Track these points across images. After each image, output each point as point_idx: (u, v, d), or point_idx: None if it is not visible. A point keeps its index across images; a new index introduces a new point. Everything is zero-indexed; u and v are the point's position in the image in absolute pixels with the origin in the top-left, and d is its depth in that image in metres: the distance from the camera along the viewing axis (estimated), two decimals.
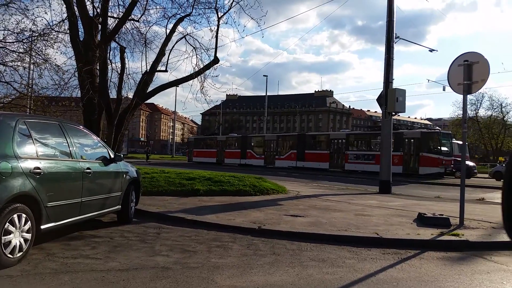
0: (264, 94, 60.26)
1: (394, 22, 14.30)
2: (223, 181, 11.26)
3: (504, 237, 6.24)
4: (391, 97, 13.36)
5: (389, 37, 14.14)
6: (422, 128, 37.12)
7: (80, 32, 12.36)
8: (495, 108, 50.57)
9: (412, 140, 27.44)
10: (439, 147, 26.05)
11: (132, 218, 7.03)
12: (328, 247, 5.58)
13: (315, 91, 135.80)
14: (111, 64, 13.51)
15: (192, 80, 13.41)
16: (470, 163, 27.84)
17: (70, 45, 12.39)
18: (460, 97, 7.82)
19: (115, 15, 13.33)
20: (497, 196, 15.13)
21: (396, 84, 14.32)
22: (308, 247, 5.52)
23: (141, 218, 7.26)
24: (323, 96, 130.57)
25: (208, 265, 4.44)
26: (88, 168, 5.51)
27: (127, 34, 13.62)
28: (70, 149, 5.35)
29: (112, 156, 6.43)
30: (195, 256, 4.78)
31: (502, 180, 1.33)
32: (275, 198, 10.56)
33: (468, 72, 7.34)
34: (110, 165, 6.31)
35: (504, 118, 50.04)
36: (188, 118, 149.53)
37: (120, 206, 6.57)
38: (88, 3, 12.26)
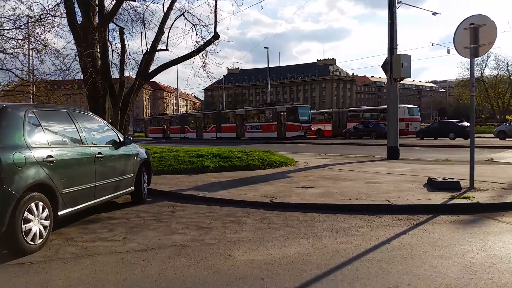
0: (265, 66, 59.83)
1: None
2: (231, 157, 11.34)
3: None
4: (396, 63, 13.18)
5: (391, 2, 13.82)
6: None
7: (77, 16, 12.23)
8: (501, 67, 49.87)
9: (282, 113, 37.54)
10: (299, 117, 35.85)
11: (146, 198, 7.15)
12: (341, 216, 5.66)
13: (317, 60, 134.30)
14: (111, 45, 13.44)
15: (193, 58, 13.31)
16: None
17: (69, 29, 12.28)
18: (465, 58, 7.70)
19: None
20: (505, 155, 15.12)
21: (399, 49, 14.11)
22: (321, 217, 5.59)
23: (154, 197, 7.37)
24: (326, 65, 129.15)
25: (225, 240, 4.53)
26: (100, 153, 5.57)
27: (124, 14, 13.47)
28: (80, 135, 5.40)
29: (121, 139, 6.48)
30: (211, 233, 4.88)
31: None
32: (284, 170, 10.64)
33: (474, 35, 7.20)
34: (120, 148, 6.36)
35: (511, 77, 49.30)
36: (191, 95, 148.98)
37: (133, 188, 6.66)
38: None
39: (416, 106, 38.49)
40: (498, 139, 26.90)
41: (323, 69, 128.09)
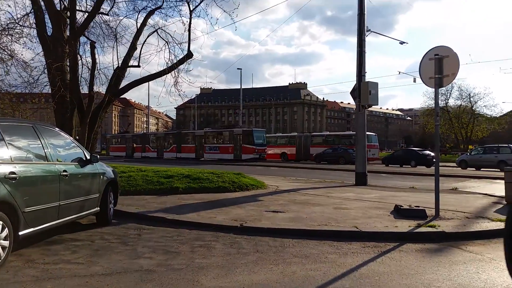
0: (238, 87, 60.36)
1: (365, 15, 14.47)
2: (202, 178, 11.21)
3: (478, 227, 6.49)
4: (364, 90, 13.56)
5: (361, 30, 14.31)
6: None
7: (47, 27, 12.00)
8: (464, 98, 52.11)
9: (238, 136, 39.06)
10: (254, 140, 37.73)
11: (112, 220, 6.93)
12: (310, 242, 5.66)
13: (289, 83, 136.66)
14: (81, 59, 13.22)
15: (165, 75, 13.25)
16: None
17: (38, 40, 12.01)
18: (430, 88, 8.01)
19: (83, 9, 13.00)
20: (469, 185, 15.67)
21: (367, 75, 14.54)
22: (291, 243, 5.57)
23: (120, 219, 7.16)
24: (297, 89, 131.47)
25: (192, 266, 4.43)
26: (65, 171, 5.38)
27: (96, 28, 13.31)
28: (45, 151, 5.21)
29: (88, 157, 6.30)
30: (179, 257, 4.76)
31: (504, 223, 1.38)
32: (255, 193, 10.60)
33: (439, 66, 7.51)
34: (87, 166, 6.18)
35: (473, 108, 51.53)
36: (163, 113, 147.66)
37: (98, 208, 6.46)
38: None
39: (374, 134, 40.07)
40: (460, 168, 27.90)
41: (294, 92, 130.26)
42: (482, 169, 26.94)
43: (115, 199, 7.32)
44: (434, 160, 29.91)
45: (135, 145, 49.50)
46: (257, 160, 36.45)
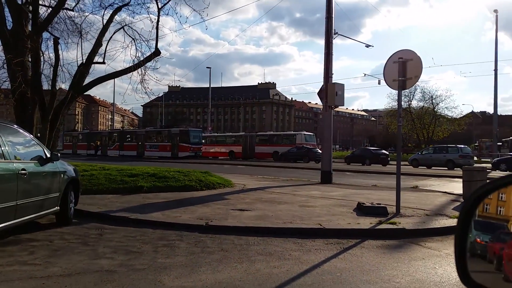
0: (207, 85, 60.13)
1: (333, 18, 14.74)
2: (168, 177, 11.07)
3: (436, 224, 6.74)
4: (331, 92, 13.80)
5: (328, 33, 14.57)
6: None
7: (7, 21, 11.51)
8: (426, 100, 53.76)
9: (175, 135, 42.11)
10: (190, 139, 40.75)
11: (72, 219, 6.72)
12: (275, 240, 5.70)
13: (258, 83, 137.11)
14: (44, 55, 12.76)
15: (132, 72, 12.99)
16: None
17: None
18: (393, 90, 8.25)
19: (46, 3, 12.55)
20: (429, 183, 16.23)
21: (334, 77, 14.85)
22: (256, 241, 5.60)
23: (81, 218, 6.96)
24: (266, 88, 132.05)
25: (155, 266, 4.36)
26: (23, 169, 5.18)
27: (60, 23, 12.88)
28: (2, 149, 5.00)
29: (48, 155, 6.10)
30: (141, 257, 4.68)
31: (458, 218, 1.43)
32: (221, 192, 10.57)
33: (402, 69, 7.73)
34: (47, 165, 5.98)
35: (435, 109, 53.32)
36: (128, 110, 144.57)
37: (58, 207, 6.26)
38: None
39: (312, 134, 43.59)
40: (411, 166, 28.93)
41: (263, 92, 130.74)
42: (432, 167, 28.22)
43: (76, 198, 7.12)
44: (388, 159, 32.66)
45: (81, 143, 51.38)
46: (192, 157, 38.74)
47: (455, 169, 26.12)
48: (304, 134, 41.37)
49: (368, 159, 32.23)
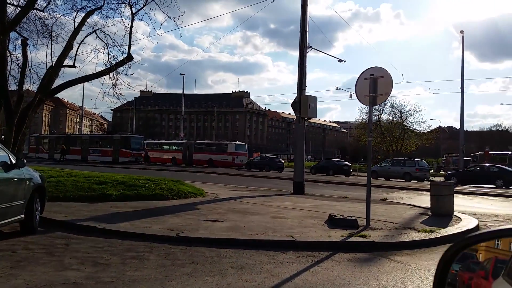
0: (180, 91, 59.76)
1: (307, 32, 14.97)
2: (137, 185, 10.83)
3: (405, 238, 6.87)
4: (304, 104, 13.97)
5: (302, 47, 14.78)
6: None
7: None
8: (395, 114, 55.09)
9: (117, 141, 44.31)
10: (130, 145, 42.94)
11: (37, 228, 6.47)
12: (247, 252, 5.66)
13: (232, 91, 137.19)
14: (11, 56, 12.35)
15: (103, 77, 12.73)
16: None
17: None
18: (365, 105, 8.43)
19: (15, 2, 12.17)
20: (398, 195, 16.59)
21: (308, 89, 15.05)
22: (227, 253, 5.54)
23: (47, 227, 6.72)
24: (240, 97, 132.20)
25: (123, 279, 4.24)
26: None
27: (29, 24, 12.50)
28: None
29: (13, 161, 5.86)
30: (109, 270, 4.54)
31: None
32: (193, 201, 10.43)
33: (373, 86, 7.91)
34: (11, 171, 5.75)
35: (404, 123, 54.74)
36: (98, 114, 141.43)
37: (23, 216, 6.01)
38: None
39: (244, 143, 46.56)
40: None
41: (237, 101, 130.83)
42: (390, 179, 29.38)
43: (42, 206, 6.85)
44: (350, 170, 34.83)
45: (30, 146, 50.88)
46: (133, 163, 40.48)
47: (412, 181, 28.22)
48: (235, 143, 44.07)
49: (331, 170, 34.15)
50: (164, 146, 49.68)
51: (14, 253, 5.06)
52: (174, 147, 48.12)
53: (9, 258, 4.82)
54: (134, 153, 43.05)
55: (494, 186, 24.51)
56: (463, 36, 36.07)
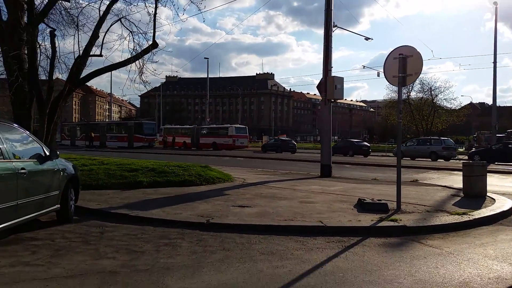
0: (205, 76, 60.38)
1: (332, 11, 14.61)
2: (167, 172, 11.03)
3: (437, 221, 6.74)
4: (330, 85, 13.75)
5: (328, 26, 14.47)
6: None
7: (2, 12, 11.37)
8: (425, 91, 53.68)
9: (131, 127, 47.18)
10: (144, 131, 45.79)
11: (73, 217, 6.70)
12: (276, 238, 5.69)
13: (256, 73, 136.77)
14: (40, 47, 12.61)
15: (130, 65, 12.88)
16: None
17: None
18: (394, 86, 8.21)
19: None
20: (428, 176, 16.28)
21: (333, 68, 14.77)
22: (257, 239, 5.59)
23: (82, 216, 6.94)
24: (265, 79, 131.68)
25: (157, 266, 4.35)
26: (23, 168, 5.14)
27: (55, 15, 12.70)
28: (1, 147, 4.96)
29: (47, 153, 6.05)
30: (143, 257, 4.67)
31: None
32: (221, 187, 10.55)
33: (403, 65, 7.67)
34: (46, 163, 5.94)
35: (434, 101, 53.27)
36: (126, 101, 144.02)
37: (59, 205, 6.23)
38: None
39: (244, 126, 49.17)
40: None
41: (262, 83, 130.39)
42: (416, 159, 28.98)
43: (76, 196, 7.08)
44: (369, 150, 35.15)
45: (61, 134, 53.44)
46: (147, 147, 43.32)
47: (438, 160, 28.01)
48: (235, 126, 46.52)
49: (351, 150, 34.27)
50: (178, 131, 51.52)
51: (52, 242, 5.26)
52: (185, 131, 50.15)
53: (48, 247, 5.02)
54: (147, 138, 45.69)
55: None
56: (496, 7, 34.39)
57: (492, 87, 33.75)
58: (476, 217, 7.09)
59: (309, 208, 7.76)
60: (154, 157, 22.88)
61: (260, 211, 7.28)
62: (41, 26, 12.59)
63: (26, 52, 11.54)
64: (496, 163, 23.99)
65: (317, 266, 4.51)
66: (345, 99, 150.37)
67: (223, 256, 4.78)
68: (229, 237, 5.64)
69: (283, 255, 4.89)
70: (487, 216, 7.28)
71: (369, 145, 37.73)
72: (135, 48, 12.80)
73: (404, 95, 52.73)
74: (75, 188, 6.96)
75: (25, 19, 11.61)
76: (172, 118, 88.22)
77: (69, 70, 12.51)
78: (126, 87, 26.38)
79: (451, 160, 28.75)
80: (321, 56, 14.96)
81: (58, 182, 6.21)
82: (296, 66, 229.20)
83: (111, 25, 13.04)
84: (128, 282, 3.86)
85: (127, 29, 12.80)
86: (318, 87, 14.88)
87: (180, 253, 4.88)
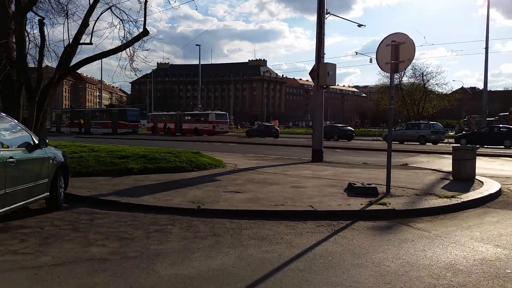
0: (196, 62, 60.43)
1: None
2: (158, 158, 11.00)
3: (426, 204, 6.82)
4: (322, 71, 13.73)
5: (320, 12, 14.40)
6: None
7: None
8: (417, 76, 53.81)
9: (115, 113, 49.04)
10: (127, 117, 47.58)
11: (62, 204, 6.67)
12: (267, 223, 5.73)
13: (248, 60, 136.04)
14: (29, 36, 12.38)
15: (120, 53, 12.72)
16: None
17: None
18: (386, 72, 8.21)
19: None
20: (419, 160, 16.41)
21: (326, 55, 14.71)
22: (248, 224, 5.62)
23: (71, 203, 6.91)
24: (257, 65, 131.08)
25: (148, 253, 4.37)
26: (11, 157, 5.09)
27: (45, 3, 12.46)
28: None
29: (36, 141, 5.99)
30: (133, 244, 4.67)
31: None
32: (213, 173, 10.56)
33: (395, 52, 7.67)
34: (35, 151, 5.88)
35: (425, 85, 53.46)
36: (117, 88, 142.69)
37: (48, 193, 6.19)
38: None
39: (224, 113, 51.32)
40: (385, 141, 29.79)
41: (254, 69, 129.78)
42: (404, 142, 29.59)
43: (66, 183, 7.04)
44: (353, 134, 36.57)
45: (51, 122, 54.25)
46: (130, 133, 44.84)
47: (427, 144, 28.72)
48: (215, 113, 48.46)
49: (336, 135, 35.12)
50: (161, 117, 52.81)
51: (41, 230, 5.24)
52: (168, 117, 51.48)
53: (37, 235, 5.00)
54: (131, 124, 47.34)
55: (502, 146, 24.99)
56: None
57: (483, 71, 33.73)
58: (464, 200, 7.19)
59: (300, 192, 7.80)
60: (141, 143, 22.94)
61: (251, 197, 7.31)
62: (30, 14, 12.36)
63: (14, 40, 11.35)
64: (485, 146, 24.46)
65: (306, 250, 4.56)
66: (338, 85, 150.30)
67: (214, 242, 4.80)
68: (219, 223, 5.67)
69: (273, 240, 4.93)
70: (475, 199, 7.38)
71: (353, 129, 39.33)
72: (125, 36, 12.63)
73: (396, 80, 52.75)
74: (64, 175, 6.92)
75: (13, 7, 11.39)
76: (164, 105, 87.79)
77: (59, 58, 12.35)
78: (116, 74, 26.25)
79: (439, 144, 29.22)
80: (313, 42, 14.89)
81: (47, 170, 6.16)
82: (288, 53, 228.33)
83: (101, 14, 12.84)
84: (118, 269, 3.86)
85: (118, 17, 12.59)
86: (311, 73, 14.85)
87: (171, 239, 4.90)
